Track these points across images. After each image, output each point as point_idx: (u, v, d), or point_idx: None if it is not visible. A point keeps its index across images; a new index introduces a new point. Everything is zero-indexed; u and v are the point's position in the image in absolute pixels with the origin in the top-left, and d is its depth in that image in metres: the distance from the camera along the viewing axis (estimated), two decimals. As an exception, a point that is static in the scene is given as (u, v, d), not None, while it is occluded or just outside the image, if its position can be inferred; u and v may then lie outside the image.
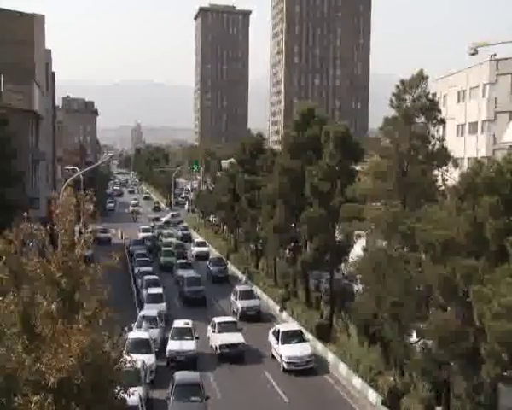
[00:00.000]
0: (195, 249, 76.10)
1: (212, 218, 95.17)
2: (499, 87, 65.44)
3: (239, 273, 62.72)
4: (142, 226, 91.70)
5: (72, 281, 19.71)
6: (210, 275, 62.75)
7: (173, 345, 37.99)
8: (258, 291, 55.48)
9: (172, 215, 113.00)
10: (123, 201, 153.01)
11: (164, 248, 71.77)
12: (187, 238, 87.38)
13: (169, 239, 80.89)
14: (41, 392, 18.07)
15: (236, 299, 49.66)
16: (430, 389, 28.75)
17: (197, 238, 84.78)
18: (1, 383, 18.37)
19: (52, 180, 72.96)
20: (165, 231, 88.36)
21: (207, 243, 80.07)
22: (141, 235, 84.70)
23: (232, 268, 66.37)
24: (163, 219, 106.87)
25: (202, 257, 72.53)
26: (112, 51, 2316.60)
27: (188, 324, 40.10)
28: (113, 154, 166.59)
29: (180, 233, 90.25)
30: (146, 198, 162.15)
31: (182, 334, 38.95)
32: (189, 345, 37.96)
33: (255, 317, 48.14)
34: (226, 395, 33.17)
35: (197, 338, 39.15)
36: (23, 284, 19.40)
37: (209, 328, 41.69)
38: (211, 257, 69.86)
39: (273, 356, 39.13)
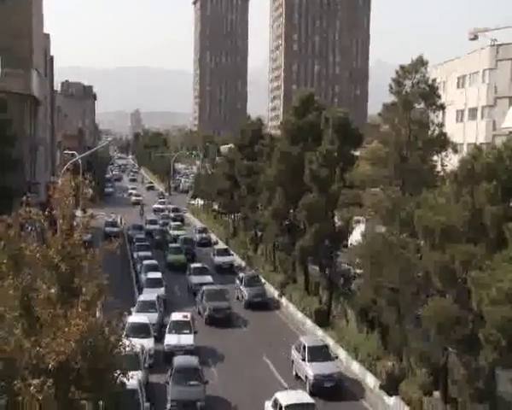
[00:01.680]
0: (198, 236, 74.07)
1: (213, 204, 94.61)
2: (499, 73, 65.32)
3: (238, 259, 62.79)
4: (149, 217, 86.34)
5: (72, 265, 19.74)
6: (215, 265, 60.64)
7: (170, 339, 36.28)
8: (200, 225, 58.05)
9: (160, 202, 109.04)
10: (122, 185, 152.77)
11: (171, 245, 65.05)
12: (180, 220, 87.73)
13: (176, 232, 74.77)
14: (40, 376, 18.14)
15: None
16: (428, 374, 28.86)
17: (198, 224, 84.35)
18: (0, 366, 18.44)
19: (51, 165, 72.88)
20: (172, 223, 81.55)
21: (208, 230, 78.09)
22: (147, 227, 79.02)
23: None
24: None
25: (204, 244, 71.30)
26: (111, 36, 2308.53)
27: (186, 316, 38.45)
28: (111, 138, 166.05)
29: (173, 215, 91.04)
30: (150, 188, 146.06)
31: (180, 328, 37.21)
32: (187, 339, 36.19)
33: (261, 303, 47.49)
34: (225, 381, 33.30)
35: (195, 332, 37.47)
36: (22, 269, 19.44)
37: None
38: (216, 247, 65.64)
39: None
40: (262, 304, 47.38)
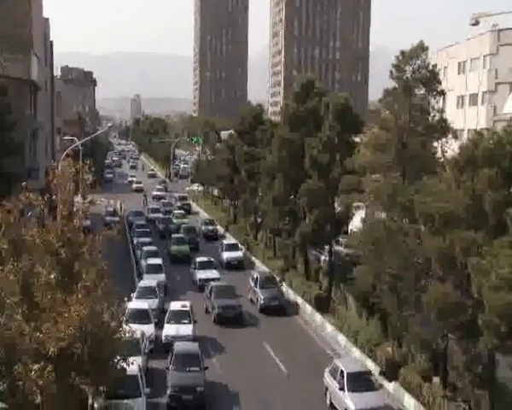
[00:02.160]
0: (203, 228, 69.90)
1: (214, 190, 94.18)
2: (500, 58, 65.12)
3: (220, 228, 63.86)
4: (151, 206, 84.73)
5: (71, 251, 19.75)
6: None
7: (169, 330, 35.18)
8: (257, 262, 55.56)
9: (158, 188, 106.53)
10: (122, 172, 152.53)
11: (174, 235, 61.15)
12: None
13: (180, 221, 71.91)
14: (41, 361, 18.20)
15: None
16: (428, 360, 28.95)
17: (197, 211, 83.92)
18: (1, 351, 18.48)
19: (51, 151, 72.77)
20: (176, 211, 78.96)
21: (215, 221, 72.92)
22: (150, 215, 77.21)
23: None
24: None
25: (210, 237, 67.56)
26: (112, 22, 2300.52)
27: (185, 306, 37.34)
28: (111, 124, 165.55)
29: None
30: (152, 176, 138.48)
31: (178, 318, 36.17)
32: (186, 330, 35.10)
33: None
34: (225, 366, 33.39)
35: (195, 322, 36.57)
36: (22, 254, 19.44)
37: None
38: (224, 242, 59.82)
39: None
40: (279, 308, 42.51)
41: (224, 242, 59.34)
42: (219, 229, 70.70)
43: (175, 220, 72.05)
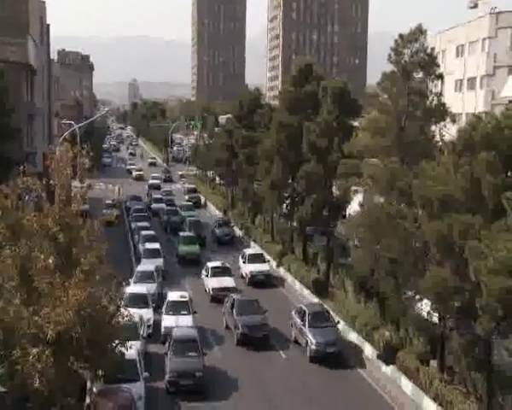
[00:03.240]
0: (218, 231, 60.37)
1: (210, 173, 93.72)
2: (498, 41, 64.82)
3: (236, 230, 62.82)
4: (154, 195, 79.51)
5: (69, 236, 19.76)
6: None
7: (168, 321, 33.70)
8: (220, 215, 56.79)
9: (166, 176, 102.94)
10: (119, 156, 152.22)
11: (182, 234, 54.37)
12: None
13: (188, 213, 66.25)
14: (39, 345, 18.25)
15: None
16: (425, 343, 29.06)
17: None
18: (0, 335, 18.53)
19: (48, 135, 72.51)
20: (183, 203, 73.45)
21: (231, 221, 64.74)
22: (153, 206, 73.48)
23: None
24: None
25: (227, 242, 59.07)
26: (109, 6, 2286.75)
27: (184, 297, 36.16)
28: (109, 108, 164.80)
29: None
30: (152, 165, 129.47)
31: (178, 308, 34.87)
32: (185, 321, 33.69)
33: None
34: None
35: (195, 313, 35.08)
36: (20, 239, 19.44)
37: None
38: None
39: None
40: (336, 356, 32.33)
41: (247, 251, 48.90)
42: (237, 231, 62.13)
43: (183, 213, 66.28)
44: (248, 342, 33.71)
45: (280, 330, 35.99)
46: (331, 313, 35.17)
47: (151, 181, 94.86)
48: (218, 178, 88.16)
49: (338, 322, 34.48)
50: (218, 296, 40.51)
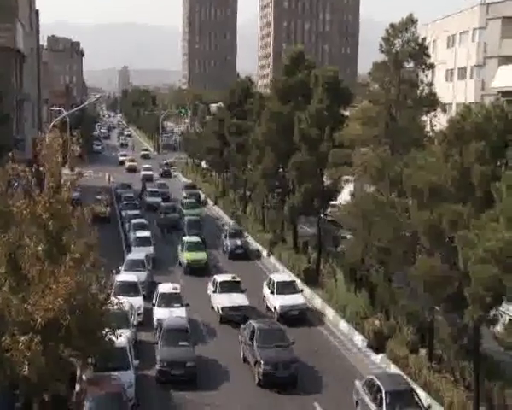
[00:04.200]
0: (229, 243, 50.36)
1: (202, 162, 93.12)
2: (489, 32, 64.73)
3: (227, 218, 62.83)
4: (150, 188, 75.24)
5: (59, 223, 19.70)
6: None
7: (161, 314, 32.68)
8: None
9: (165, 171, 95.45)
10: (110, 143, 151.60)
11: (187, 239, 47.32)
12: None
13: (191, 212, 60.01)
14: (29, 332, 18.20)
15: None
16: (414, 332, 29.22)
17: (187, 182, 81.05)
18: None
19: (37, 122, 72.11)
20: (186, 200, 65.85)
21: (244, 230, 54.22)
22: (148, 200, 68.91)
23: (220, 213, 66.39)
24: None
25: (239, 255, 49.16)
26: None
27: (176, 288, 35.19)
28: (99, 95, 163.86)
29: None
30: (145, 157, 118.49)
31: (169, 301, 33.98)
32: (178, 313, 32.80)
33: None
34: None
35: (187, 305, 34.18)
36: (9, 226, 19.35)
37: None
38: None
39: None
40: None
41: (275, 278, 38.20)
42: (254, 244, 52.45)
43: (185, 211, 60.61)
44: (272, 384, 27.57)
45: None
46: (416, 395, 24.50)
47: (143, 172, 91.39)
48: (204, 163, 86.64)
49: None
50: (230, 317, 35.29)
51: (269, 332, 29.74)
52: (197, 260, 44.68)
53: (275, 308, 36.01)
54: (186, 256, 44.87)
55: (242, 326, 31.48)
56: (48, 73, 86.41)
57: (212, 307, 36.90)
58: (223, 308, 35.49)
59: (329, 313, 36.33)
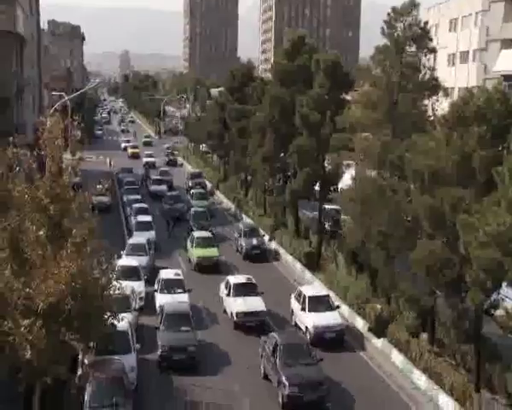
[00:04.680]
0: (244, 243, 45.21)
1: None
2: (491, 15, 64.43)
3: (228, 202, 62.80)
4: (153, 176, 72.75)
5: (61, 207, 19.69)
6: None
7: (163, 300, 31.96)
8: (247, 220, 54.92)
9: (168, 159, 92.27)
10: (111, 128, 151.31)
11: (197, 234, 43.84)
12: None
13: (200, 203, 56.90)
14: (30, 316, 18.25)
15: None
16: (416, 316, 29.27)
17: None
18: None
19: (38, 106, 72.04)
20: (195, 191, 62.04)
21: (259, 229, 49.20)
22: (152, 188, 67.04)
23: (221, 197, 66.34)
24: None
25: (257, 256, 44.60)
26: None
27: (178, 274, 34.89)
28: (100, 80, 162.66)
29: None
30: (147, 144, 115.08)
31: (172, 286, 33.60)
32: (181, 299, 32.34)
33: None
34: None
35: (189, 291, 33.67)
36: (10, 210, 19.36)
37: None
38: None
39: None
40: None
41: (307, 292, 32.46)
42: (270, 244, 47.72)
43: (193, 202, 57.88)
44: (299, 407, 24.68)
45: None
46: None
47: (145, 159, 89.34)
48: (204, 147, 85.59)
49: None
50: (245, 323, 32.09)
51: (294, 347, 26.34)
52: (208, 257, 41.53)
53: (306, 328, 30.93)
54: (196, 253, 41.75)
55: (263, 338, 28.04)
56: (48, 57, 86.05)
57: (225, 311, 33.96)
58: (237, 314, 32.14)
59: (330, 296, 36.33)
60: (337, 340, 30.42)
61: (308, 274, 39.88)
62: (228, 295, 33.61)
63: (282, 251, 45.69)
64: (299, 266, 41.58)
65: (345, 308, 34.31)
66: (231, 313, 32.80)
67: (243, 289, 33.41)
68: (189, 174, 74.59)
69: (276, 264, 44.49)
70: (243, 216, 56.68)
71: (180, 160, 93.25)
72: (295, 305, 32.72)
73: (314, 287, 35.37)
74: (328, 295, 32.85)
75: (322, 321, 30.45)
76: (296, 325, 32.43)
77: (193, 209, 52.83)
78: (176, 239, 48.50)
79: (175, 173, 78.69)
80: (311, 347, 27.15)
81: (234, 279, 34.57)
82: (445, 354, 26.72)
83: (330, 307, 31.63)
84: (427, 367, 26.20)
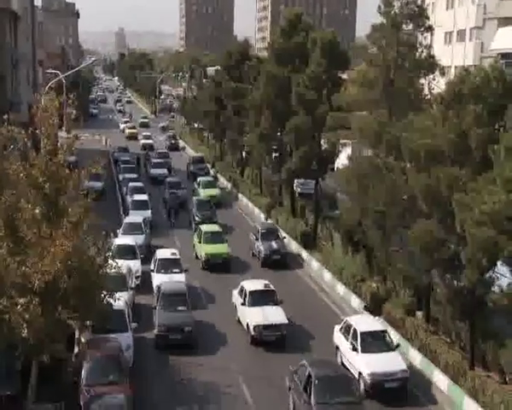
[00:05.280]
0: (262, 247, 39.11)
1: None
2: (489, -8, 64.08)
3: (224, 181, 62.74)
4: (154, 159, 68.51)
5: (56, 186, 19.65)
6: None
7: (160, 280, 31.75)
8: (244, 200, 54.51)
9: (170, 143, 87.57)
10: (106, 107, 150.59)
11: (205, 228, 39.55)
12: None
13: (208, 192, 52.74)
14: (27, 295, 18.29)
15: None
16: (411, 295, 29.40)
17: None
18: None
19: (33, 84, 71.45)
20: (203, 179, 56.77)
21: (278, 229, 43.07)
22: (152, 172, 63.81)
23: (217, 176, 66.16)
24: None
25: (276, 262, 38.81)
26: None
27: (175, 254, 34.52)
28: (96, 58, 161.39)
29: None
30: (144, 126, 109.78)
31: (169, 266, 33.21)
32: (178, 279, 32.14)
33: None
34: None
35: (186, 271, 33.55)
36: (6, 188, 19.32)
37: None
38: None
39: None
40: None
41: (359, 325, 25.85)
42: (291, 244, 41.97)
43: (201, 191, 53.66)
44: None
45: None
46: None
47: (143, 141, 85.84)
48: (198, 125, 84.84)
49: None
50: (264, 338, 28.02)
51: (332, 381, 21.61)
52: (218, 254, 37.74)
53: (360, 374, 24.23)
54: (205, 250, 37.86)
55: (291, 368, 23.38)
56: (43, 34, 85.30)
57: (239, 322, 30.03)
58: (255, 327, 27.98)
59: (326, 275, 36.47)
60: (399, 390, 24.15)
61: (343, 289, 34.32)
62: (243, 304, 29.43)
63: (304, 254, 40.23)
64: (328, 275, 36.24)
65: (341, 287, 34.46)
66: (247, 326, 28.55)
67: (261, 298, 29.24)
68: (190, 159, 69.55)
69: (300, 271, 38.75)
70: (240, 196, 56.23)
71: (182, 143, 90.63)
72: (343, 341, 26.11)
73: (367, 319, 28.22)
74: (385, 331, 26.28)
75: (380, 367, 23.98)
76: (343, 364, 25.62)
77: (195, 198, 49.12)
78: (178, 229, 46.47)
79: (174, 156, 76.37)
80: (352, 378, 22.75)
81: (249, 286, 30.08)
82: (440, 332, 26.87)
83: (389, 348, 25.23)
84: (422, 345, 26.32)
